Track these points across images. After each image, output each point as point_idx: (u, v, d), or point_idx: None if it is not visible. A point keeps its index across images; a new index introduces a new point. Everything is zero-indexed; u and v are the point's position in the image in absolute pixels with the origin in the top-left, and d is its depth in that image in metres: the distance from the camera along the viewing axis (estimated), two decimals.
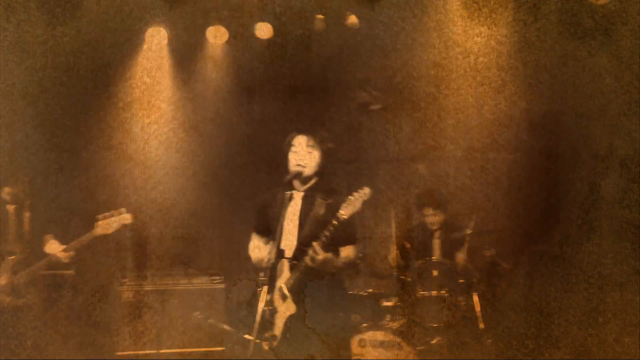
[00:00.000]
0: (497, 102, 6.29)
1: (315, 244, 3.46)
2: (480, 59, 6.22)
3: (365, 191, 3.43)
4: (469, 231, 5.27)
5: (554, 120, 6.09)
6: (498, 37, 5.97)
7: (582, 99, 5.96)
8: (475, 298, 5.11)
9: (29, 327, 4.84)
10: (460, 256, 5.42)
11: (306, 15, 6.17)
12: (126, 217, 4.78)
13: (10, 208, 4.85)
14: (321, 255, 3.44)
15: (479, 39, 6.03)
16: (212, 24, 6.21)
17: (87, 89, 6.28)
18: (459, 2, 5.92)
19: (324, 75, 6.49)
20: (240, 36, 6.33)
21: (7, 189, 4.84)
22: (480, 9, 5.78)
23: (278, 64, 6.42)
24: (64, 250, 4.70)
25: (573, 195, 5.88)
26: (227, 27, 6.29)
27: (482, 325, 5.06)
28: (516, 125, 6.30)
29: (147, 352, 5.45)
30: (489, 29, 5.88)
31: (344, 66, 6.43)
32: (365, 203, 3.41)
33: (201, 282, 5.74)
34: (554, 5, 5.69)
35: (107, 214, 4.74)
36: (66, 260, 4.73)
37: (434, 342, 5.04)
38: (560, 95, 6.09)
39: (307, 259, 3.48)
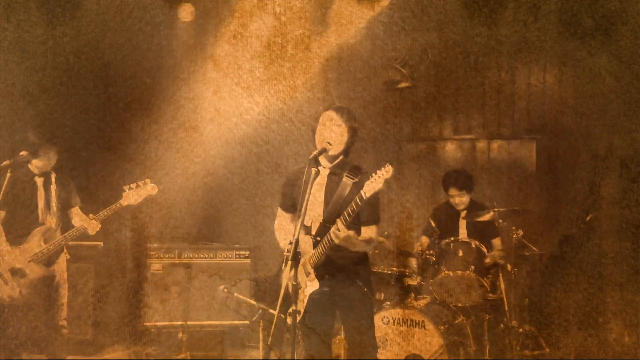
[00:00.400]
0: (497, 102, 6.30)
1: (338, 220, 3.45)
2: (480, 59, 6.23)
3: (388, 169, 3.35)
4: (496, 209, 5.11)
5: (554, 120, 6.10)
6: (498, 37, 5.98)
7: (582, 99, 5.97)
8: (502, 279, 5.04)
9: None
10: (495, 241, 5.39)
11: (306, 15, 6.17)
12: (152, 188, 4.89)
13: (39, 180, 4.94)
14: (343, 232, 3.43)
15: (479, 39, 6.04)
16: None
17: (87, 89, 6.28)
18: (459, 2, 5.92)
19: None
20: (240, 36, 6.33)
21: (35, 162, 4.90)
22: (480, 9, 5.79)
23: (278, 63, 6.42)
24: (92, 219, 4.81)
25: (573, 195, 5.89)
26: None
27: (507, 307, 4.99)
28: (517, 125, 6.31)
29: (174, 323, 5.54)
30: (489, 29, 5.88)
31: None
32: (387, 181, 3.36)
33: (227, 257, 5.80)
34: (554, 5, 5.70)
35: (132, 185, 4.84)
36: (92, 232, 4.84)
37: (457, 321, 4.99)
38: (560, 95, 6.09)
39: (331, 234, 3.47)
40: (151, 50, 6.31)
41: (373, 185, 3.36)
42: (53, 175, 5.00)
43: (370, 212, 3.67)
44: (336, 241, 3.46)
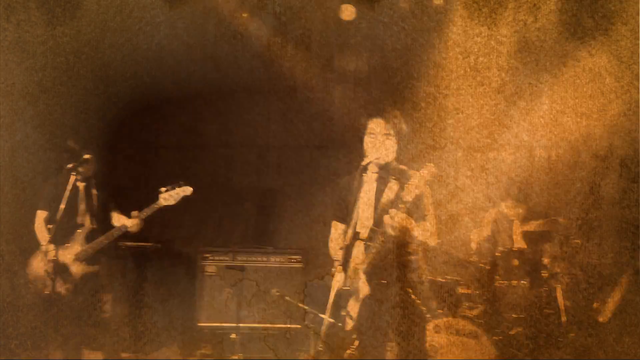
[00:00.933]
0: (497, 102, 6.29)
1: (391, 210, 3.44)
2: (480, 59, 6.22)
3: (429, 170, 3.37)
4: (559, 219, 5.05)
5: (554, 120, 6.09)
6: (498, 37, 5.97)
7: (582, 99, 5.96)
8: (559, 290, 4.93)
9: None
10: (547, 247, 5.31)
11: (306, 15, 6.17)
12: (187, 189, 5.11)
13: (81, 185, 5.19)
14: (398, 217, 3.40)
15: (479, 39, 6.03)
16: None
17: (87, 89, 6.28)
18: (459, 2, 5.92)
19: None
20: (240, 36, 6.33)
21: (79, 169, 5.13)
22: (480, 9, 5.78)
23: (278, 63, 6.42)
24: (134, 218, 5.06)
25: (573, 195, 5.88)
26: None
27: (564, 319, 4.88)
28: (516, 125, 6.30)
29: (227, 324, 5.65)
30: (489, 29, 5.88)
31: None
32: (428, 182, 3.37)
33: (279, 261, 5.91)
34: (554, 5, 5.69)
35: (169, 186, 5.07)
36: (134, 230, 5.10)
37: (512, 332, 4.88)
38: (560, 95, 6.09)
39: (386, 227, 3.44)
40: (151, 50, 6.31)
41: (413, 188, 3.38)
42: (94, 181, 5.28)
43: (418, 209, 3.65)
44: (392, 232, 3.42)
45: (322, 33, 6.29)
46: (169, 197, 5.07)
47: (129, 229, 5.08)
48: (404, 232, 3.46)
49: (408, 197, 3.37)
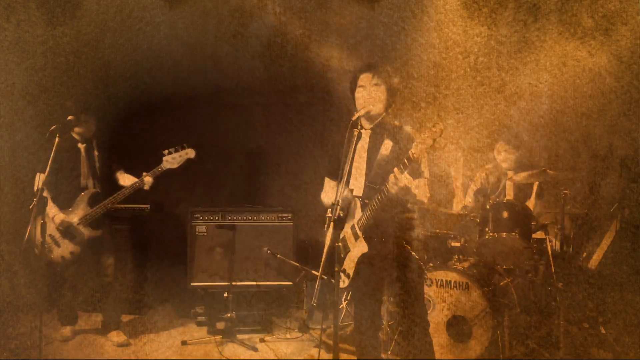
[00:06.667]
0: (497, 102, 6.29)
1: (395, 169, 3.37)
2: (480, 59, 6.23)
3: (437, 128, 3.28)
4: (548, 170, 4.96)
5: (554, 120, 6.09)
6: (498, 37, 5.97)
7: (582, 99, 5.96)
8: (548, 241, 4.94)
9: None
10: (538, 202, 5.33)
11: (306, 15, 6.17)
12: (190, 152, 5.16)
13: (82, 147, 5.20)
14: (402, 180, 3.35)
15: (479, 39, 6.03)
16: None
17: (87, 89, 6.28)
18: (459, 2, 5.92)
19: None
20: (240, 36, 6.33)
21: (77, 129, 5.18)
22: (480, 9, 5.78)
23: (278, 63, 6.42)
24: (146, 176, 5.06)
25: (573, 195, 5.88)
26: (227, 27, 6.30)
27: (554, 269, 4.87)
28: (516, 125, 6.30)
29: (220, 283, 5.67)
30: (489, 29, 5.88)
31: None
32: (436, 141, 3.29)
33: (270, 219, 5.89)
34: (554, 5, 5.69)
35: (171, 149, 5.12)
36: (147, 187, 5.11)
37: (502, 283, 4.91)
38: (560, 95, 6.09)
39: (388, 185, 3.39)
40: (151, 50, 6.31)
41: (422, 145, 3.29)
42: (95, 142, 5.26)
43: (418, 166, 3.61)
44: (392, 191, 3.37)
45: (322, 33, 6.28)
46: (172, 159, 5.10)
47: (143, 187, 5.07)
48: (405, 190, 3.40)
49: (416, 154, 3.28)
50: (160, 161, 5.10)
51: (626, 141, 5.76)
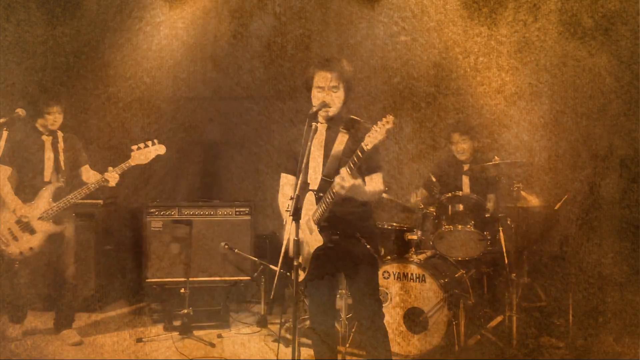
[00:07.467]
0: (497, 102, 6.29)
1: (342, 170, 3.37)
2: (480, 59, 6.23)
3: (389, 119, 3.25)
4: (502, 162, 5.08)
5: (554, 120, 6.09)
6: (498, 37, 5.98)
7: (582, 99, 5.96)
8: (501, 233, 5.03)
9: None
10: (491, 196, 5.41)
11: (306, 15, 6.17)
12: (160, 148, 5.04)
13: (47, 139, 5.04)
14: (348, 181, 3.35)
15: (479, 39, 6.03)
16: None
17: (87, 89, 6.29)
18: (459, 2, 5.92)
19: None
20: (240, 36, 6.33)
21: (41, 121, 5.02)
22: (480, 9, 5.78)
23: (278, 63, 6.42)
24: (112, 172, 4.90)
25: (573, 195, 5.88)
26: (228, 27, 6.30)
27: (507, 260, 4.97)
28: (516, 125, 6.30)
29: (176, 279, 5.60)
30: (489, 29, 5.88)
31: None
32: (389, 132, 3.27)
33: (227, 214, 5.82)
34: (554, 5, 5.69)
35: (141, 144, 4.98)
36: (113, 184, 4.94)
37: (457, 275, 5.01)
38: (560, 95, 6.09)
39: (335, 186, 3.39)
40: (151, 50, 6.31)
41: (375, 135, 3.26)
42: (60, 134, 5.09)
43: (373, 162, 3.61)
44: (342, 192, 3.37)
45: (322, 33, 6.29)
46: (140, 155, 4.96)
47: (108, 184, 4.91)
48: (353, 190, 3.39)
49: (368, 145, 3.27)
50: (129, 157, 4.96)
51: (626, 141, 5.76)
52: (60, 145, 5.07)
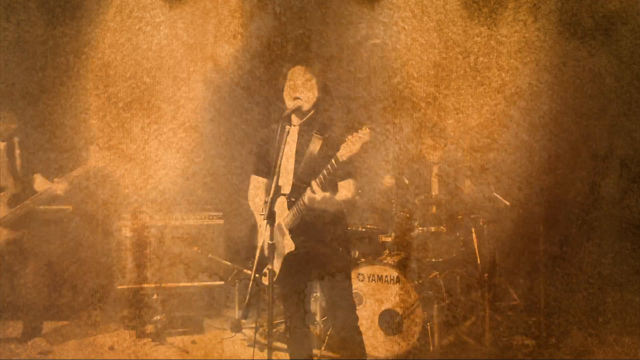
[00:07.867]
0: (497, 102, 6.29)
1: (313, 182, 3.36)
2: (480, 59, 6.23)
3: (365, 132, 3.25)
4: (468, 165, 5.23)
5: (554, 120, 6.10)
6: (498, 37, 5.98)
7: (582, 99, 5.97)
8: (474, 234, 5.10)
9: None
10: (464, 188, 5.47)
11: (306, 15, 6.17)
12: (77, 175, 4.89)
13: (1, 145, 4.97)
14: (319, 194, 3.34)
15: (479, 39, 6.03)
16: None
17: (87, 89, 6.28)
18: (459, 2, 5.92)
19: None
20: (240, 36, 6.33)
21: None
22: (480, 9, 5.78)
23: (278, 63, 6.42)
24: (58, 182, 4.81)
25: (573, 195, 5.89)
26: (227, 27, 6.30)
27: (479, 261, 5.05)
28: (516, 125, 6.30)
29: (148, 285, 5.53)
30: (489, 29, 5.88)
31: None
32: (364, 144, 3.26)
33: (200, 218, 5.77)
34: (554, 5, 5.70)
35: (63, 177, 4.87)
36: (61, 193, 4.85)
37: (431, 276, 5.06)
38: (560, 95, 6.09)
39: (305, 199, 3.38)
40: (151, 50, 6.31)
41: (350, 147, 3.26)
42: (16, 140, 5.02)
43: (346, 170, 3.58)
44: (313, 204, 3.36)
45: (322, 33, 6.29)
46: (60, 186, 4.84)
47: (58, 193, 4.84)
48: (324, 202, 3.38)
49: (343, 157, 3.26)
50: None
51: (626, 141, 5.77)
52: (17, 151, 5.00)
